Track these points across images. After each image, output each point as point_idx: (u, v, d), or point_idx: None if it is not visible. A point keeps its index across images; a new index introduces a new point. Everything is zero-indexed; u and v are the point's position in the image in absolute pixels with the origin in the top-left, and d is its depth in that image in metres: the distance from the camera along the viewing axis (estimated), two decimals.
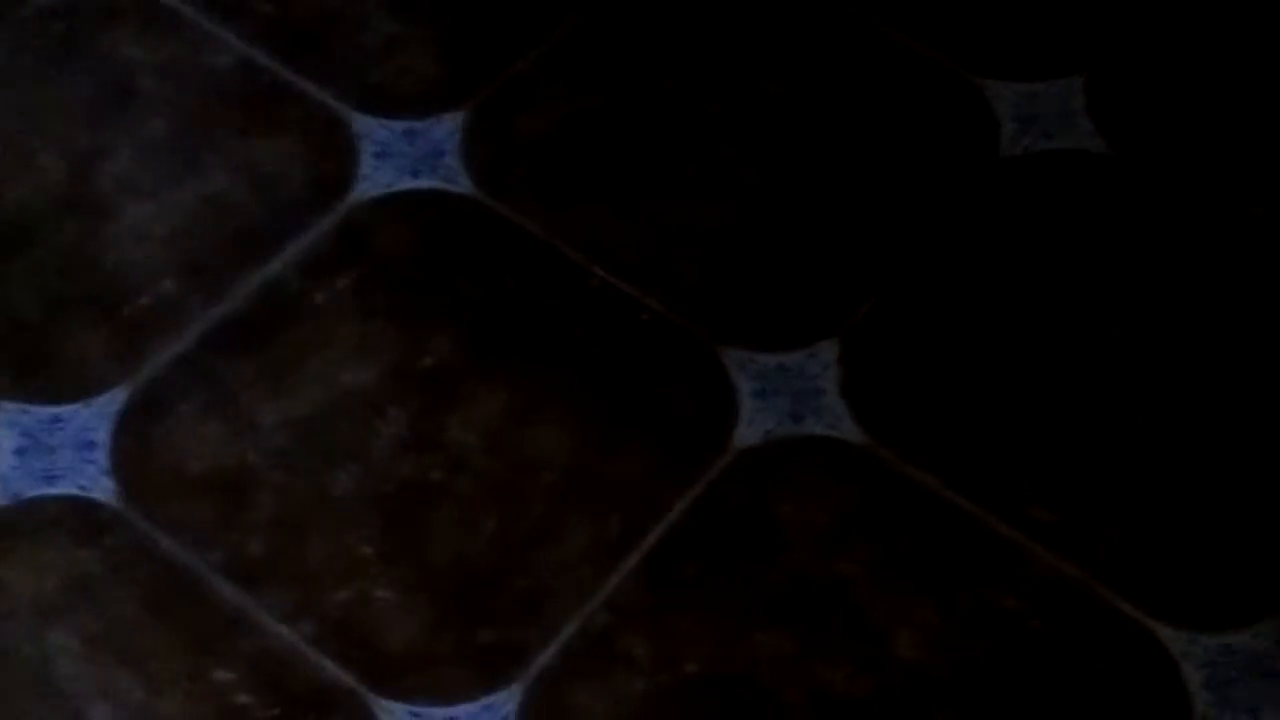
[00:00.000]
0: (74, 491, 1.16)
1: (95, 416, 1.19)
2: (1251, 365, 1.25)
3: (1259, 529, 1.16)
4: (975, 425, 1.21)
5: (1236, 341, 1.26)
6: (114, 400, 1.20)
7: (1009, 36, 1.43)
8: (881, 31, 1.43)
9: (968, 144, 1.37)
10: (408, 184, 1.34)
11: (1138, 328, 1.26)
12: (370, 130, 1.37)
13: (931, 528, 1.16)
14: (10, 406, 1.20)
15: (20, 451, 1.17)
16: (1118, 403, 1.22)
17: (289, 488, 1.17)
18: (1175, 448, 1.20)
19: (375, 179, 1.34)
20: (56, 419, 1.19)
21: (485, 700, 1.08)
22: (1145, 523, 1.16)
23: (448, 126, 1.37)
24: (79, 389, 1.21)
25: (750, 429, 1.21)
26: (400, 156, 1.35)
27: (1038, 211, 1.33)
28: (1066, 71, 1.41)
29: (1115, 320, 1.27)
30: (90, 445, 1.18)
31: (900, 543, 1.16)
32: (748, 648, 1.11)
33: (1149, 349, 1.25)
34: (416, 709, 1.08)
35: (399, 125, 1.37)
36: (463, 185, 1.34)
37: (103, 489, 1.16)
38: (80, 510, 1.15)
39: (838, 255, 1.30)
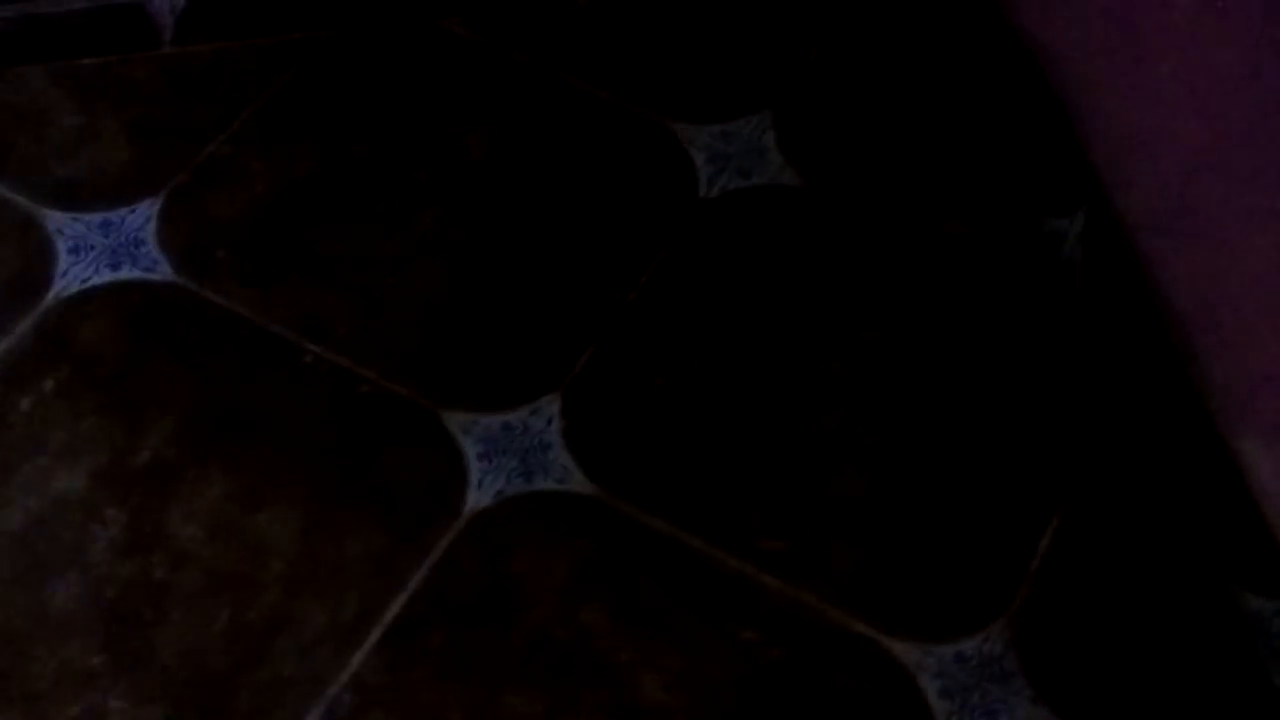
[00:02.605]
0: None
1: None
2: (961, 379, 1.29)
3: (978, 536, 1.20)
4: (700, 464, 1.23)
5: (946, 357, 1.30)
6: None
7: (695, 79, 1.46)
8: (572, 84, 1.45)
9: (667, 188, 1.39)
10: (107, 277, 1.30)
11: (849, 353, 1.30)
12: (64, 226, 1.33)
13: (667, 570, 1.18)
14: None
15: None
16: (832, 428, 1.26)
17: (7, 604, 1.12)
18: (891, 467, 1.24)
19: (73, 275, 1.30)
20: None
21: None
22: (870, 542, 1.20)
23: (144, 214, 1.34)
24: None
25: (481, 491, 1.20)
26: (97, 249, 1.32)
27: (741, 249, 1.36)
28: (754, 108, 1.45)
29: (826, 348, 1.30)
30: None
31: (638, 588, 1.17)
32: (497, 711, 1.11)
33: (860, 372, 1.29)
34: None
35: (94, 218, 1.34)
36: (164, 272, 1.31)
37: None
38: None
39: (551, 309, 1.31)
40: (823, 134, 1.44)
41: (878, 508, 1.21)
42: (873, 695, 1.12)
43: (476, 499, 1.20)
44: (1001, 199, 1.40)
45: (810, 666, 1.13)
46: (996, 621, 1.16)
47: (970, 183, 1.41)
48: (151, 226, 1.33)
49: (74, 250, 1.32)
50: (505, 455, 1.22)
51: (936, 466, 1.24)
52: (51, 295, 1.29)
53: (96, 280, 1.30)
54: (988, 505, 1.22)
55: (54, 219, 1.33)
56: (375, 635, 1.13)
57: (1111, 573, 1.19)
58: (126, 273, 1.31)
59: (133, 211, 1.34)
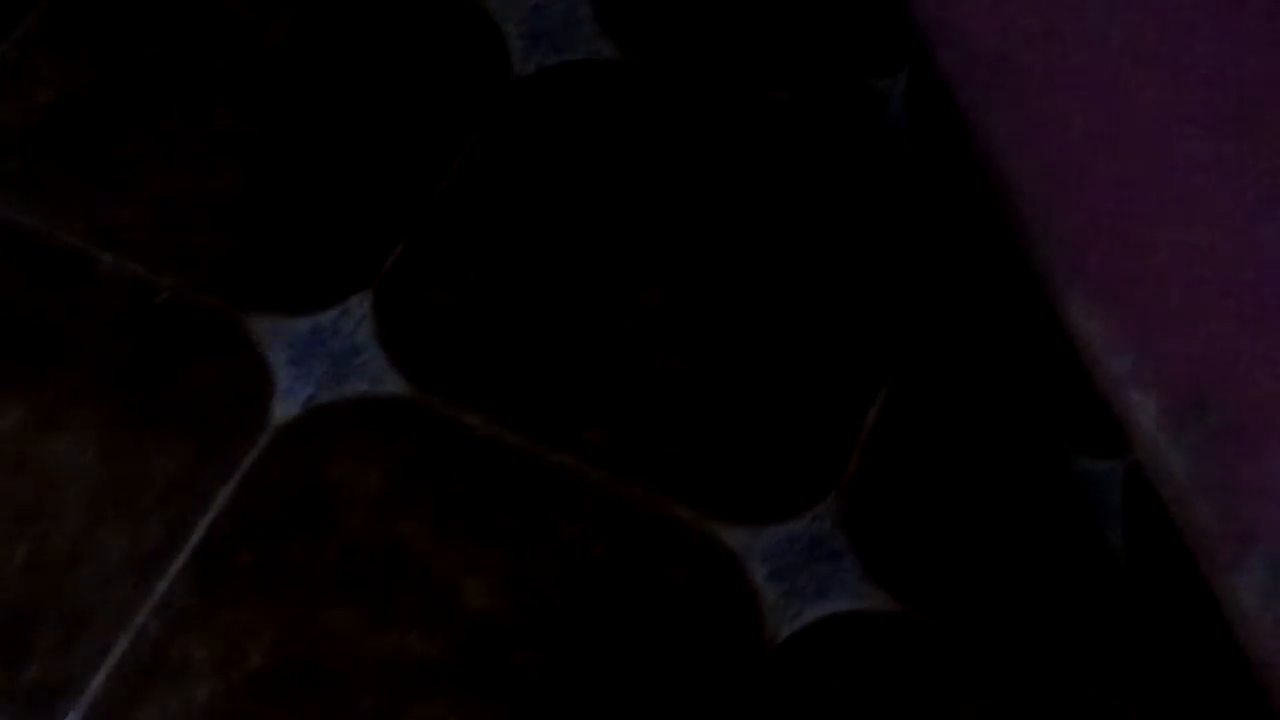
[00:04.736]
0: None
1: None
2: (786, 249, 1.25)
3: (804, 413, 1.17)
4: (520, 357, 1.19)
5: (771, 227, 1.26)
6: None
7: None
8: None
9: (478, 68, 1.33)
10: None
11: (669, 229, 1.26)
12: None
13: (487, 470, 1.14)
14: None
15: None
16: (654, 306, 1.22)
17: None
18: (714, 344, 1.20)
19: None
20: None
21: None
22: (694, 425, 1.16)
23: None
24: None
25: (289, 400, 1.16)
26: None
27: (558, 127, 1.31)
28: None
29: (646, 225, 1.26)
30: None
31: (457, 491, 1.13)
32: (314, 628, 1.07)
33: (681, 248, 1.25)
34: None
35: None
36: None
37: None
38: None
39: (359, 203, 1.26)
40: (639, 3, 1.38)
41: (701, 388, 1.18)
42: (700, 583, 1.09)
43: (285, 408, 1.15)
44: (824, 62, 1.35)
45: (635, 558, 1.10)
46: (824, 500, 1.13)
47: (792, 48, 1.36)
48: None
49: None
50: (315, 360, 1.17)
51: (761, 342, 1.20)
52: None
53: None
54: (814, 380, 1.19)
55: None
56: (181, 558, 1.08)
57: (941, 443, 1.16)
58: None
59: None
